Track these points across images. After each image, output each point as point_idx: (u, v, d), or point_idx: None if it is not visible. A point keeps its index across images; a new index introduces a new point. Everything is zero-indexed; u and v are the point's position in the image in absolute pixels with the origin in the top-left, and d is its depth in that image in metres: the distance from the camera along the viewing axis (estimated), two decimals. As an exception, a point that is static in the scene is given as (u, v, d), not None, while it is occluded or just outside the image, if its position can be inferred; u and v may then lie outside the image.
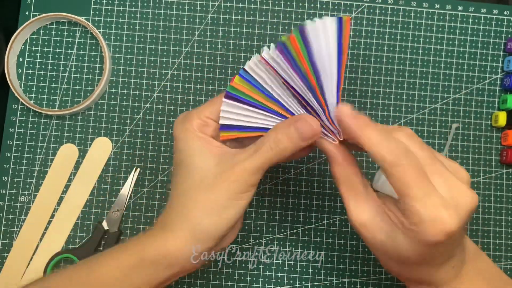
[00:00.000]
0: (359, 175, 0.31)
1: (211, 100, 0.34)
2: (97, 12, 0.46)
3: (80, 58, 0.46)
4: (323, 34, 0.30)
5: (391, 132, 0.30)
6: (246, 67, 0.33)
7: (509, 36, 0.47)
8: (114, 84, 0.46)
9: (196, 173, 0.31)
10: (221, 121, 0.33)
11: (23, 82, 0.46)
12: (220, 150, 0.32)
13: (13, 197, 0.45)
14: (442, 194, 0.28)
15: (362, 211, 0.30)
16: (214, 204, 0.30)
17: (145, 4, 0.46)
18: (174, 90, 0.46)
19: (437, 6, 0.47)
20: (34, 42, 0.46)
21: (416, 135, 0.30)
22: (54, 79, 0.46)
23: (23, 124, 0.45)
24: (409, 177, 0.28)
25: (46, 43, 0.46)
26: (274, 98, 0.33)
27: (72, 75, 0.46)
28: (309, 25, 0.30)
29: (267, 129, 0.33)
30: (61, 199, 0.45)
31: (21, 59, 0.46)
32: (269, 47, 0.32)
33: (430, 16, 0.47)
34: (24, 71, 0.46)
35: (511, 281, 0.35)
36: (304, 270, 0.45)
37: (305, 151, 0.33)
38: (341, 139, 0.32)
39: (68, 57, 0.46)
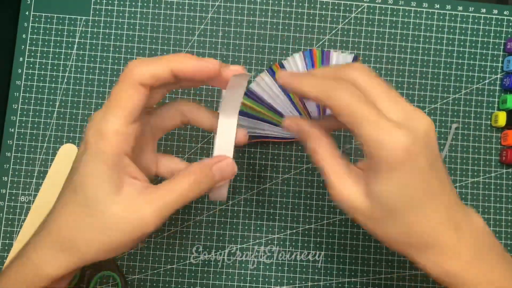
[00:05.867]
0: (337, 150, 0.31)
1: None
2: (97, 12, 0.46)
3: (80, 58, 0.46)
4: (294, 67, 0.43)
5: (339, 71, 0.30)
6: (250, 88, 0.43)
7: (509, 36, 0.47)
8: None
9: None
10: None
11: (23, 82, 0.46)
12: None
13: (13, 197, 0.45)
14: (395, 118, 0.28)
15: (346, 185, 0.30)
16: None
17: (145, 4, 0.46)
18: (174, 90, 0.46)
19: (437, 6, 0.47)
20: (34, 42, 0.46)
21: (366, 68, 0.30)
22: (54, 79, 0.46)
23: (23, 124, 0.45)
24: (354, 106, 0.27)
25: (46, 43, 0.46)
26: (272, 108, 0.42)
27: (72, 75, 0.46)
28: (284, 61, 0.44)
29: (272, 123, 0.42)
30: (61, 199, 0.45)
31: (21, 59, 0.46)
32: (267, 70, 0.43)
33: (429, 16, 0.47)
34: (24, 71, 0.46)
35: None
36: (304, 270, 0.45)
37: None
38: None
39: (68, 57, 0.46)
